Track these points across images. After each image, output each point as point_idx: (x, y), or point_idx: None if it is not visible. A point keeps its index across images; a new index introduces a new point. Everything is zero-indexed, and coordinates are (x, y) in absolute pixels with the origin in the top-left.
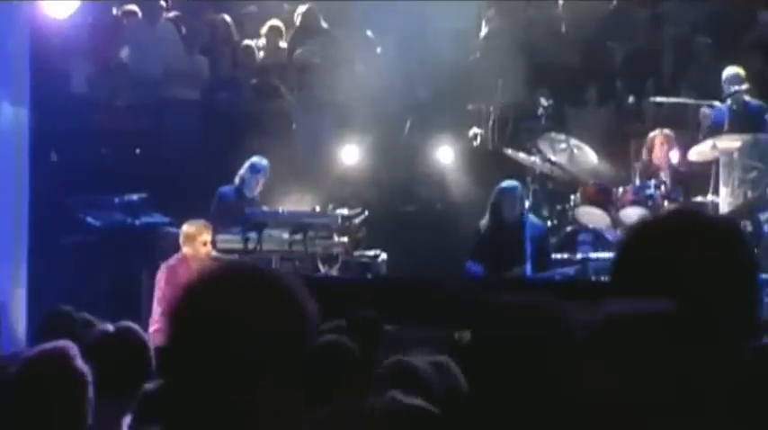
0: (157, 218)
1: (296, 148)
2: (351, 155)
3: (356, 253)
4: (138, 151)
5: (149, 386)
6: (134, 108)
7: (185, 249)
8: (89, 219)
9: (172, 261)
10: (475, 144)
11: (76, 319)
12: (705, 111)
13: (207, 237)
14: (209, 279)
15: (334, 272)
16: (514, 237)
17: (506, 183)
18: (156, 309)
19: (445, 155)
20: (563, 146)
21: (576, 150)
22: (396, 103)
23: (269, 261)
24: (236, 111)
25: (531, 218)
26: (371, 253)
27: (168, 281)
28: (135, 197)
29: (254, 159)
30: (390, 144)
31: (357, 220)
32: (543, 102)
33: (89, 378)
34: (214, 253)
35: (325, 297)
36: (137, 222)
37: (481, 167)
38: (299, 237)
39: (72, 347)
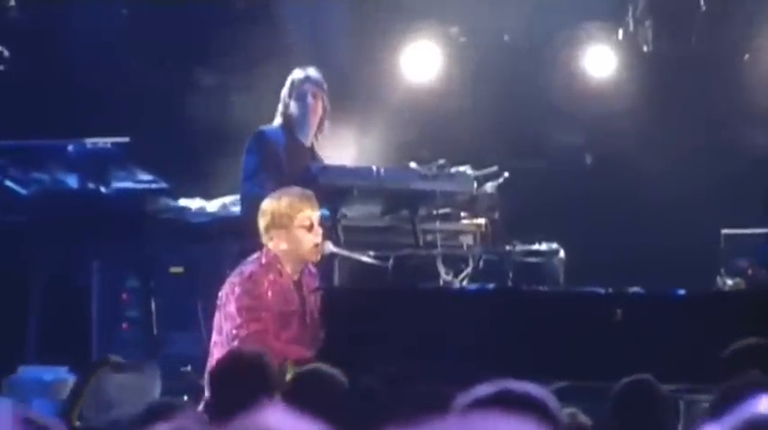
0: (144, 181)
1: (304, 53)
2: (419, 66)
3: (509, 247)
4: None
5: None
6: None
7: (274, 244)
8: (9, 184)
9: (250, 266)
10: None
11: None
12: None
13: (312, 213)
14: None
15: (464, 281)
16: None
17: None
18: (221, 348)
19: (599, 63)
20: None
21: None
22: None
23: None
24: None
25: None
26: (543, 246)
27: (241, 301)
28: (107, 144)
29: (297, 73)
30: (494, 46)
31: (491, 187)
32: None
33: None
34: (330, 245)
35: None
36: (103, 189)
37: (675, 86)
38: (402, 215)
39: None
